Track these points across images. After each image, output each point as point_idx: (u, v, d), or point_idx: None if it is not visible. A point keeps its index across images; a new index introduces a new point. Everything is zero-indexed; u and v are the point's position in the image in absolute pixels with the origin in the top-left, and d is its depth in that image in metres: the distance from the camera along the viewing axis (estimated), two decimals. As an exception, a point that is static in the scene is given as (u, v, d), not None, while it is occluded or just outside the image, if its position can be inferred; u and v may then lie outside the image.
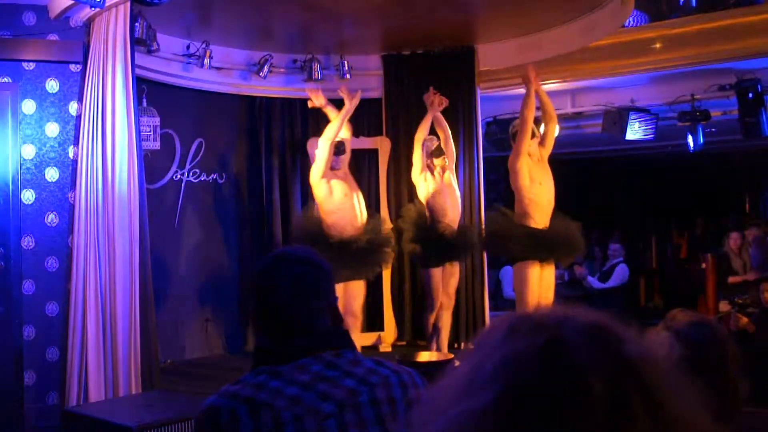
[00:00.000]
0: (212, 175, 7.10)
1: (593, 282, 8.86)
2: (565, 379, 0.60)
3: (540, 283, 5.65)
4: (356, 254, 5.76)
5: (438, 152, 6.24)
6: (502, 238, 5.84)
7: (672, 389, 0.62)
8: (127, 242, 4.85)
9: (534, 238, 5.64)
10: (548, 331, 0.64)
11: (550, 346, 0.62)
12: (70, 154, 5.35)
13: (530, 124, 5.72)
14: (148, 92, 6.15)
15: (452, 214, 6.14)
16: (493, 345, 0.65)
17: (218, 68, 6.73)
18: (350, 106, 6.01)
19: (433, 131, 6.36)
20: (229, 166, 7.26)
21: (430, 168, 6.23)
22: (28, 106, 5.36)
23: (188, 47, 6.47)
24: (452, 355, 5.57)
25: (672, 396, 0.62)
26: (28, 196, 5.35)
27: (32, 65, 5.38)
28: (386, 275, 7.04)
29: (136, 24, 5.22)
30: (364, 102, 7.46)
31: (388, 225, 6.43)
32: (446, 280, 6.20)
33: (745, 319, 6.08)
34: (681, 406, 0.61)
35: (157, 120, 6.13)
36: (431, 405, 0.66)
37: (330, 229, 5.79)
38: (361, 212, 5.97)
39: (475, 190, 6.99)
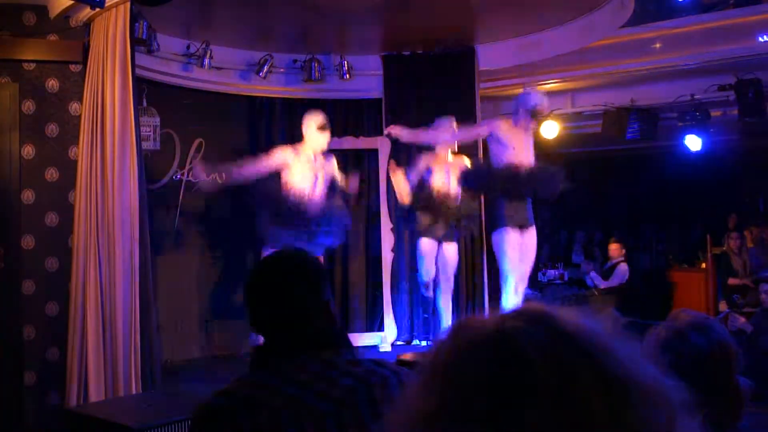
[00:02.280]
0: (212, 175, 7.09)
1: (596, 278, 8.86)
2: (506, 362, 0.60)
3: (519, 248, 5.56)
4: None
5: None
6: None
7: (620, 355, 0.62)
8: (127, 242, 4.85)
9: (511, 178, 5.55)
10: (489, 325, 0.64)
11: (490, 337, 0.62)
12: (70, 154, 5.35)
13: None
14: (148, 92, 6.15)
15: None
16: (441, 347, 0.65)
17: (218, 68, 6.73)
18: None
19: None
20: (229, 166, 7.25)
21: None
22: (28, 106, 5.35)
23: (188, 47, 6.47)
24: None
25: (621, 361, 0.61)
26: (28, 196, 5.35)
27: (32, 65, 5.37)
28: (386, 275, 7.05)
29: (136, 24, 5.22)
30: (364, 102, 7.48)
31: None
32: (441, 260, 6.21)
33: (743, 320, 6.09)
34: (631, 370, 0.61)
35: (157, 120, 6.13)
36: (394, 417, 0.66)
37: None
38: None
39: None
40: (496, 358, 0.61)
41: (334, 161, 6.04)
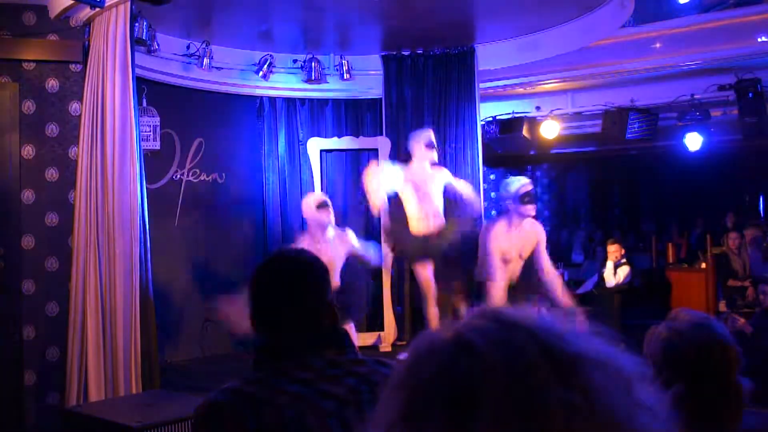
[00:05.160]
0: (212, 175, 7.11)
1: (597, 279, 8.85)
2: (458, 356, 0.61)
3: None
4: None
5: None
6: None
7: (566, 333, 0.63)
8: (127, 242, 4.85)
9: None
10: (447, 332, 0.65)
11: (446, 341, 0.64)
12: (70, 154, 5.35)
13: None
14: (148, 92, 6.15)
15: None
16: (406, 357, 0.67)
17: (218, 68, 6.73)
18: None
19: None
20: (229, 166, 7.26)
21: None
22: (28, 106, 5.35)
23: (188, 47, 6.47)
24: None
25: (567, 337, 0.62)
26: (28, 196, 5.35)
27: (32, 65, 5.38)
28: (386, 275, 7.05)
29: (136, 24, 5.22)
30: (364, 102, 7.49)
31: None
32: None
33: (742, 320, 6.09)
34: (577, 344, 0.62)
35: (157, 120, 6.13)
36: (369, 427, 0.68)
37: None
38: None
39: (475, 189, 7.00)
40: (450, 356, 0.62)
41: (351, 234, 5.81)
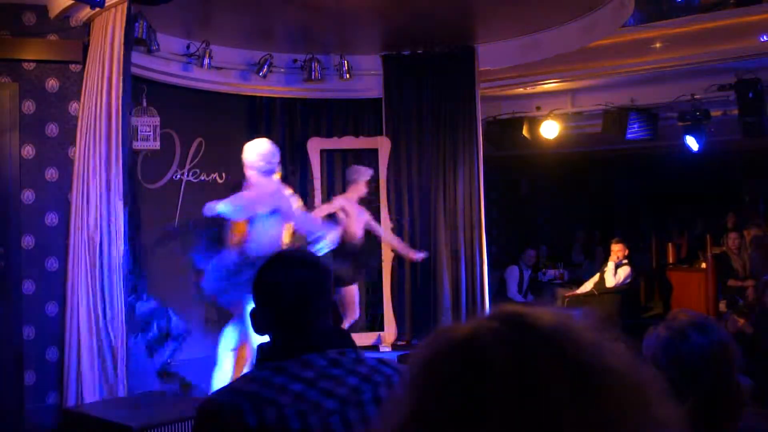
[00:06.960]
0: (212, 175, 7.10)
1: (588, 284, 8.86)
2: (471, 361, 0.60)
3: None
4: None
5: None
6: None
7: (587, 343, 0.61)
8: (121, 242, 4.84)
9: None
10: (463, 331, 0.64)
11: (461, 342, 0.62)
12: (70, 154, 5.35)
13: None
14: (148, 92, 6.15)
15: None
16: (418, 356, 0.66)
17: (218, 68, 6.72)
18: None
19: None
20: (229, 166, 7.25)
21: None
22: (28, 106, 5.35)
23: (188, 47, 6.46)
24: None
25: (587, 348, 0.60)
26: (28, 196, 5.35)
27: (32, 65, 5.37)
28: (386, 275, 7.05)
29: (136, 24, 5.22)
30: (364, 102, 7.48)
31: None
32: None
33: (742, 321, 6.09)
34: (598, 356, 0.60)
35: (157, 120, 6.13)
36: (378, 426, 0.67)
37: None
38: None
39: (475, 189, 7.00)
40: (464, 360, 0.61)
41: None
